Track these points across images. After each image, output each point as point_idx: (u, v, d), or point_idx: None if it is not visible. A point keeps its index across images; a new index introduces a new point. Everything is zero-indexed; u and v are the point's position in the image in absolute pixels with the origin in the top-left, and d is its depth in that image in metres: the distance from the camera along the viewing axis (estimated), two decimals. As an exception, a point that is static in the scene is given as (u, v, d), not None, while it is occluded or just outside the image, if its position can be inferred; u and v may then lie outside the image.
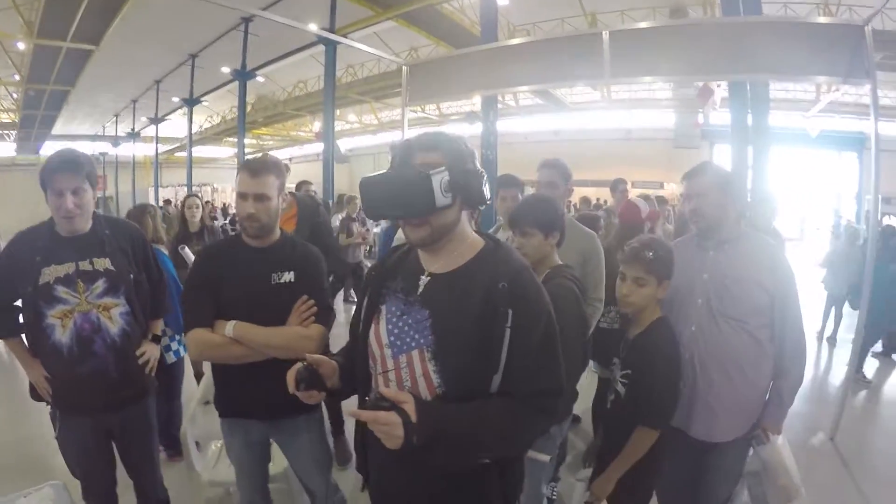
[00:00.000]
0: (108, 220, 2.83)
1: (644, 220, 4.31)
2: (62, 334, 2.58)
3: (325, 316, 2.58)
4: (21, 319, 2.73)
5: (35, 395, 2.79)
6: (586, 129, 30.00)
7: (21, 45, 20.33)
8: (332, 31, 16.36)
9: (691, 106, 19.92)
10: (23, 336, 2.76)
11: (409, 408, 1.47)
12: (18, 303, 2.69)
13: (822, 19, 4.86)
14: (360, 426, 1.74)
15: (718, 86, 11.88)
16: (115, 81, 26.80)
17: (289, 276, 2.55)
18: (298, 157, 43.49)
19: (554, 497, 3.50)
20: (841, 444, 4.79)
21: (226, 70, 23.07)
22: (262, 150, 42.59)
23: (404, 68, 7.02)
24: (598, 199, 26.21)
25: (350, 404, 1.78)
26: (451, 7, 17.87)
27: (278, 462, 3.03)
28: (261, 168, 2.48)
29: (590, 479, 2.72)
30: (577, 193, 29.17)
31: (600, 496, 2.60)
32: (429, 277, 1.69)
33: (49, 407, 2.83)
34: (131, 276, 2.78)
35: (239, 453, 2.72)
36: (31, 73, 23.32)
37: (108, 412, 2.73)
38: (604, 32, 5.30)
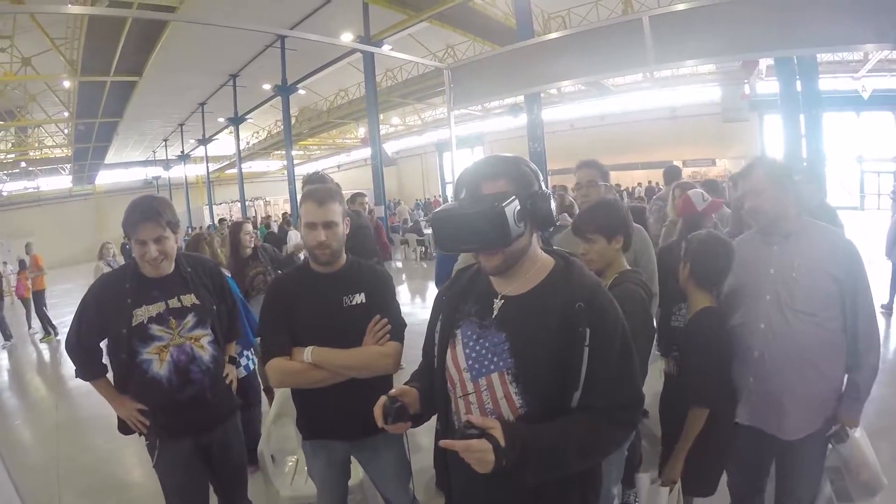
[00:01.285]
0: (188, 257, 3.01)
1: (702, 213, 4.07)
2: (160, 367, 2.74)
3: (399, 332, 2.63)
4: (105, 360, 2.89)
5: (124, 429, 2.90)
6: (631, 111, 29.69)
7: (66, 84, 21.17)
8: (367, 38, 16.49)
9: (736, 77, 19.41)
10: (108, 376, 2.89)
11: (498, 433, 1.48)
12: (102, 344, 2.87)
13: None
14: (437, 444, 1.77)
15: (764, 56, 11.62)
16: (161, 108, 27.69)
17: (360, 298, 2.62)
18: (346, 163, 43.99)
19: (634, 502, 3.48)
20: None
21: (267, 86, 23.53)
22: (309, 159, 43.22)
23: (446, 72, 7.04)
24: (650, 182, 25.99)
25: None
26: (483, 2, 17.79)
27: (354, 475, 3.07)
28: (326, 197, 2.56)
29: (659, 465, 2.92)
30: (628, 178, 29.02)
31: (672, 479, 2.76)
32: (503, 300, 1.69)
33: (144, 439, 2.90)
34: (214, 307, 2.97)
35: (322, 473, 2.79)
36: (79, 109, 24.23)
37: (207, 431, 2.92)
38: (643, 17, 5.24)
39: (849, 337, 2.50)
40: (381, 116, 30.51)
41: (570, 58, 5.86)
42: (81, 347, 2.83)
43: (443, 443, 1.53)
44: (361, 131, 32.39)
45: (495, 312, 1.68)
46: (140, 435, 2.89)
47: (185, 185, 38.65)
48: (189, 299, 2.86)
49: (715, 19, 5.12)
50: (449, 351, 1.76)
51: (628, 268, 2.77)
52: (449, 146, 31.83)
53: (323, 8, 17.73)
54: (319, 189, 2.63)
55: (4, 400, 7.79)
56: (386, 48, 16.78)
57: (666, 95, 28.35)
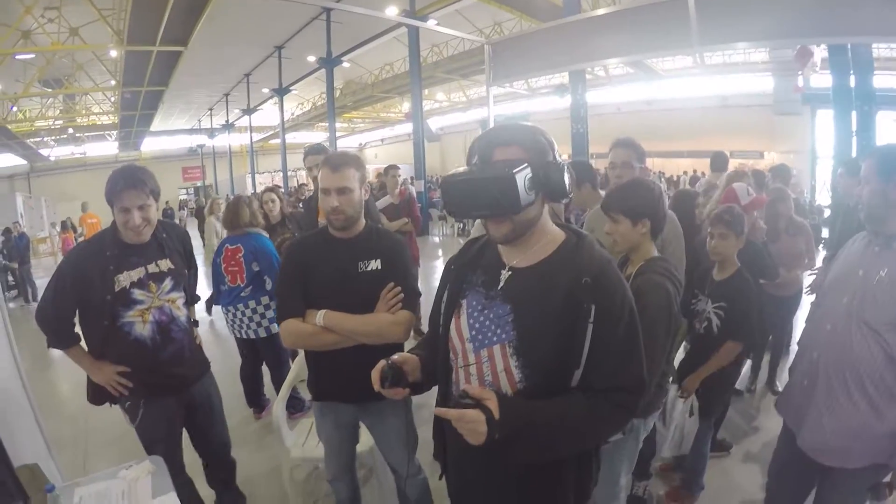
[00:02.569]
0: (163, 224, 3.11)
1: (745, 208, 3.87)
2: (142, 329, 2.88)
3: (412, 301, 2.65)
4: (77, 328, 2.95)
5: (96, 398, 3.01)
6: (680, 97, 28.94)
7: (113, 53, 21.60)
8: (412, 12, 16.38)
9: (790, 69, 18.84)
10: (81, 343, 2.97)
11: (493, 405, 1.48)
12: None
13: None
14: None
15: (818, 46, 11.21)
16: (207, 78, 28.06)
17: (375, 265, 2.63)
18: (390, 137, 44.13)
19: (645, 496, 3.51)
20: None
21: (311, 59, 23.55)
22: (353, 132, 43.48)
23: (486, 47, 6.93)
24: (694, 171, 25.51)
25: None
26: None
27: (364, 442, 3.14)
28: (341, 162, 2.57)
29: (679, 379, 3.35)
30: (673, 166, 28.50)
31: (690, 390, 3.30)
32: (510, 272, 1.66)
33: (123, 403, 2.97)
34: (185, 271, 3.14)
35: (329, 434, 2.85)
36: (126, 78, 24.71)
37: (189, 386, 3.11)
38: (690, -2, 5.03)
39: None
40: (426, 92, 30.53)
41: (612, 36, 5.71)
42: (58, 318, 2.87)
43: (437, 410, 1.54)
44: (406, 106, 32.35)
45: (502, 283, 1.66)
46: (112, 404, 3.00)
47: (229, 154, 39.18)
48: (165, 264, 2.99)
49: (766, 1, 4.89)
50: (454, 320, 1.73)
51: (657, 255, 2.65)
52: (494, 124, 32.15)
53: (370, -20, 17.64)
54: (335, 154, 2.67)
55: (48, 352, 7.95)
56: (431, 23, 16.61)
57: (716, 83, 27.56)
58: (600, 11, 6.78)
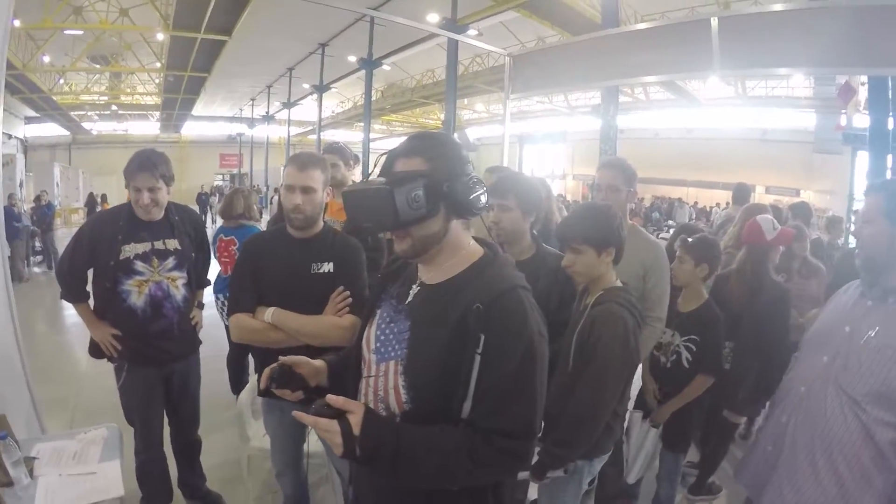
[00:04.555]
0: (178, 207, 3.39)
1: (771, 243, 3.60)
2: (137, 299, 3.13)
3: (360, 306, 2.60)
4: (88, 287, 3.25)
5: (95, 352, 3.26)
6: (719, 127, 28.71)
7: (160, 37, 22.44)
8: (453, 21, 16.33)
9: (833, 107, 18.38)
10: (89, 302, 3.26)
11: (355, 419, 1.42)
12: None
13: None
14: None
15: (863, 84, 10.83)
16: (249, 68, 28.61)
17: (328, 267, 2.69)
18: (427, 143, 44.33)
19: None
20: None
21: (353, 59, 23.76)
22: (391, 135, 43.78)
23: (507, 58, 6.77)
24: (727, 203, 25.07)
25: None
26: (574, -5, 17.36)
27: (318, 441, 3.14)
28: (308, 162, 2.66)
29: (649, 412, 3.34)
30: (708, 197, 28.08)
31: (659, 421, 3.27)
32: (419, 287, 1.62)
33: (113, 362, 3.26)
34: (193, 255, 3.36)
35: (274, 430, 2.92)
36: (170, 61, 25.74)
37: (172, 362, 3.34)
38: (712, 19, 4.78)
39: None
40: (466, 101, 30.53)
41: (632, 55, 5.46)
42: (72, 273, 3.19)
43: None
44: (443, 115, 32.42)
45: (410, 298, 1.62)
46: (109, 360, 3.25)
47: (266, 145, 39.75)
48: (173, 244, 3.24)
49: (796, 27, 4.54)
50: (367, 328, 1.72)
51: (618, 284, 2.45)
52: (533, 139, 31.37)
53: (415, -13, 17.63)
54: (303, 154, 2.78)
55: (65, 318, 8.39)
56: (472, 33, 16.57)
57: (757, 115, 27.23)
58: (623, 29, 6.61)
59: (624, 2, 10.61)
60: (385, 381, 1.57)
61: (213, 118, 41.18)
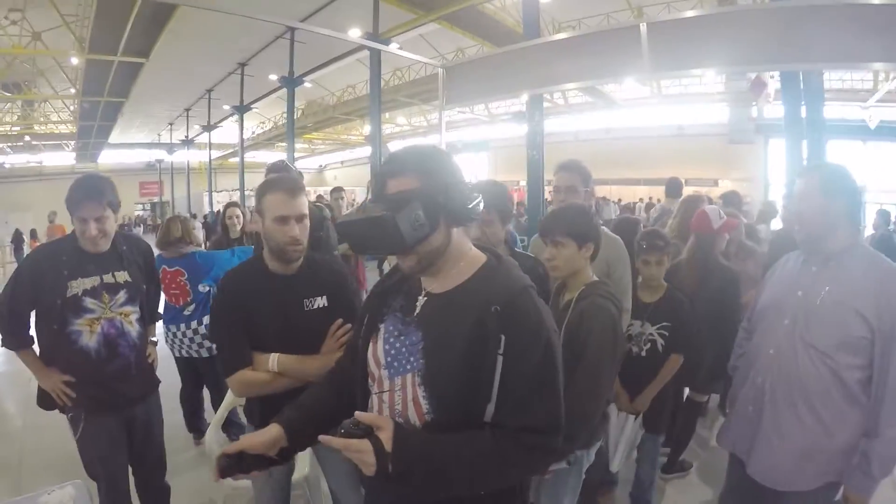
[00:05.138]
0: (125, 236, 3.16)
1: (718, 231, 3.89)
2: (89, 339, 2.86)
3: None
4: (32, 331, 2.99)
5: (45, 403, 3.00)
6: (637, 126, 29.64)
7: (74, 61, 21.36)
8: (375, 35, 16.36)
9: (745, 100, 19.32)
10: (34, 347, 3.00)
11: (385, 435, 1.40)
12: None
13: (880, 0, 4.43)
14: None
15: (772, 77, 11.42)
16: (167, 92, 27.86)
17: (322, 301, 2.49)
18: (350, 160, 44.14)
19: None
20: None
21: (274, 77, 23.44)
22: (313, 153, 43.35)
23: (440, 70, 6.88)
24: (650, 198, 25.93)
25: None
26: (494, 6, 17.70)
27: (298, 469, 3.03)
28: (297, 187, 2.39)
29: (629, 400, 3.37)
30: (630, 193, 28.93)
31: (640, 410, 3.34)
32: (426, 298, 1.60)
33: (66, 412, 2.97)
34: (144, 286, 3.12)
35: (261, 479, 2.60)
36: (86, 87, 24.53)
37: (132, 406, 3.07)
38: (641, 25, 5.04)
39: (873, 396, 2.13)
40: (387, 115, 30.63)
41: (567, 62, 5.66)
42: (12, 316, 2.91)
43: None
44: (366, 129, 32.34)
45: (417, 309, 1.60)
46: (62, 411, 2.97)
47: (188, 170, 38.82)
48: (122, 276, 2.99)
49: (717, 30, 4.91)
50: (371, 345, 1.67)
51: (596, 279, 2.58)
52: (454, 149, 31.57)
53: (335, 2, 17.56)
54: (288, 178, 2.51)
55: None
56: (393, 46, 16.63)
57: (673, 113, 28.33)
58: (550, 38, 6.82)
59: (542, 10, 10.85)
60: (403, 395, 1.56)
61: (130, 145, 39.87)
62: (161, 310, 3.80)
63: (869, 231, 9.32)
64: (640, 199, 27.40)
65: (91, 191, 2.77)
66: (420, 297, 1.61)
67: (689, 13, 5.16)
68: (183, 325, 4.51)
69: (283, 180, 2.43)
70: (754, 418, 2.39)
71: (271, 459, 1.70)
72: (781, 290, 2.41)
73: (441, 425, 1.49)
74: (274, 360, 2.37)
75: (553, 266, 2.56)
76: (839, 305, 2.15)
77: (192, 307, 4.51)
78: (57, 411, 3.01)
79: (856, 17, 4.42)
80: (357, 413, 1.46)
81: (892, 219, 9.98)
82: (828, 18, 4.51)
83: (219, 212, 11.82)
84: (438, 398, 1.50)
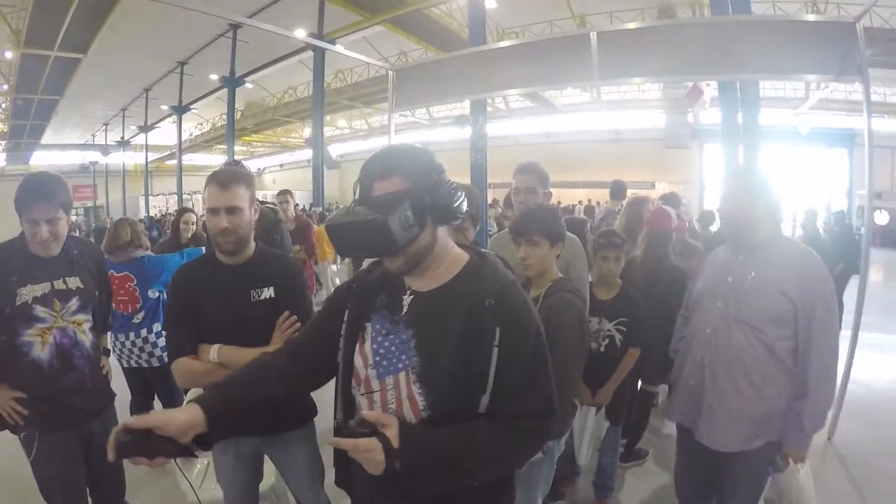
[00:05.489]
0: (76, 240, 2.92)
1: (673, 230, 4.18)
2: (41, 350, 2.61)
3: None
4: None
5: None
6: (577, 130, 30.22)
7: (8, 55, 20.30)
8: (319, 36, 16.29)
9: (681, 106, 19.88)
10: None
11: (392, 432, 1.40)
12: None
13: (813, 17, 4.75)
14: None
15: (708, 85, 11.87)
16: (104, 90, 26.83)
17: (269, 292, 2.47)
18: (289, 163, 43.47)
19: None
20: (839, 444, 4.72)
21: (214, 77, 23.04)
22: (252, 156, 42.62)
23: (390, 73, 6.87)
24: (589, 201, 26.43)
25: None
26: (440, 11, 17.82)
27: (266, 479, 2.93)
28: (230, 179, 2.37)
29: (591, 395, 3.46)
30: (569, 195, 29.45)
31: (602, 403, 3.42)
32: (412, 296, 1.61)
33: (17, 432, 2.72)
34: (96, 293, 2.90)
35: (230, 471, 2.61)
36: (20, 83, 23.36)
37: (90, 420, 2.79)
38: (592, 34, 5.18)
39: (800, 362, 2.43)
40: (328, 118, 30.39)
41: (518, 68, 5.77)
42: None
43: (330, 440, 1.46)
44: (307, 132, 32.03)
45: (405, 308, 1.59)
46: (12, 431, 2.72)
47: (123, 173, 37.60)
48: (74, 282, 2.76)
49: (663, 41, 5.14)
50: (358, 345, 1.64)
51: (560, 275, 2.72)
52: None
53: (279, 1, 17.44)
54: (223, 171, 2.46)
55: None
56: (339, 48, 16.62)
57: (611, 118, 28.99)
58: (503, 44, 6.94)
59: (487, 16, 11.00)
60: (396, 394, 1.56)
61: (63, 146, 38.07)
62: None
63: (798, 232, 9.78)
64: (580, 202, 27.86)
65: (42, 190, 2.56)
66: (405, 297, 1.61)
67: (633, 25, 5.37)
68: (132, 334, 4.28)
69: (218, 173, 2.43)
70: (697, 391, 2.63)
71: (182, 447, 1.49)
72: (713, 278, 2.69)
73: (437, 420, 1.50)
74: (215, 350, 2.35)
75: (527, 265, 2.63)
76: (765, 286, 2.45)
77: (141, 314, 4.30)
78: (7, 432, 2.75)
79: (793, 33, 4.73)
80: (363, 412, 1.50)
81: (820, 219, 10.48)
82: (767, 33, 4.82)
83: (155, 217, 11.59)
84: (435, 394, 1.51)
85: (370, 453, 1.38)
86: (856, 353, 4.82)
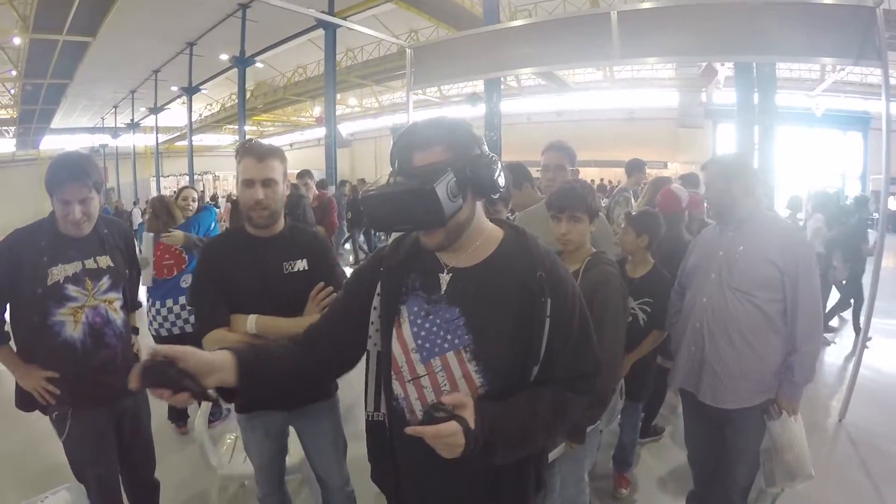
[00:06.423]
0: (106, 219, 2.91)
1: (684, 209, 4.30)
2: (73, 330, 2.64)
3: None
4: (7, 327, 2.74)
5: (24, 404, 2.77)
6: (589, 109, 29.97)
7: (17, 40, 20.19)
8: (331, 13, 16.22)
9: (695, 85, 19.81)
10: (11, 344, 2.77)
11: (468, 413, 1.37)
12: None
13: (833, 0, 4.73)
14: (378, 433, 1.71)
15: (722, 65, 11.82)
16: (113, 73, 26.63)
17: (301, 265, 2.52)
18: (299, 142, 43.32)
19: None
20: (850, 426, 4.83)
21: (224, 57, 22.87)
22: (262, 136, 42.50)
23: (408, 51, 6.86)
24: (602, 180, 26.35)
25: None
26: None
27: (294, 453, 3.01)
28: (266, 152, 2.41)
29: None
30: (581, 174, 29.41)
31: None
32: (450, 274, 1.57)
33: (49, 412, 2.76)
34: (126, 271, 2.93)
35: (259, 448, 2.67)
36: (28, 68, 23.18)
37: (122, 398, 2.83)
38: (612, 13, 5.22)
39: (789, 322, 2.70)
40: (339, 96, 30.27)
41: (537, 46, 5.77)
42: None
43: (409, 429, 1.36)
44: (317, 110, 31.86)
45: (444, 287, 1.56)
46: (43, 412, 2.77)
47: (133, 155, 37.48)
48: (105, 261, 2.78)
49: (682, 21, 5.14)
50: (395, 330, 1.60)
51: (594, 250, 2.77)
52: (405, 131, 32.14)
53: (291, -20, 17.33)
54: (258, 144, 2.49)
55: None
56: (355, 25, 16.52)
57: (624, 97, 28.78)
58: (522, 21, 6.93)
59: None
60: (448, 374, 1.53)
61: (73, 130, 37.71)
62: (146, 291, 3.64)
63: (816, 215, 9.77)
64: (592, 181, 27.80)
65: (75, 170, 2.56)
66: (442, 275, 1.58)
67: (651, 4, 5.34)
68: (182, 298, 4.43)
69: (253, 146, 2.44)
70: (697, 355, 2.90)
71: (203, 392, 1.43)
72: (705, 253, 2.98)
73: (493, 395, 1.50)
74: (252, 320, 2.36)
75: (567, 240, 2.68)
76: (753, 257, 2.73)
77: (188, 276, 4.42)
78: (38, 412, 2.80)
79: (812, 15, 4.74)
80: (442, 398, 1.42)
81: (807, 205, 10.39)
82: (787, 15, 4.84)
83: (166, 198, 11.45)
84: (493, 369, 1.51)
85: (452, 438, 1.33)
86: (868, 337, 4.91)
